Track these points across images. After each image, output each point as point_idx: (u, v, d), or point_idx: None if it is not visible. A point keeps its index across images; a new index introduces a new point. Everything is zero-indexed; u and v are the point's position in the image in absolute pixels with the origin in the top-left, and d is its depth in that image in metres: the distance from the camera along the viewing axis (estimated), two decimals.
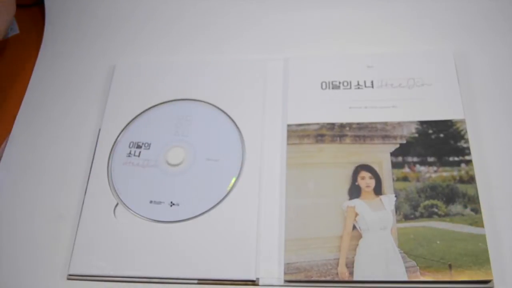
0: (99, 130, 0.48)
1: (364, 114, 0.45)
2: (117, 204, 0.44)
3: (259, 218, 0.42)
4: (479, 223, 0.38)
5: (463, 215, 0.39)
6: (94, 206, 0.44)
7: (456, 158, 0.41)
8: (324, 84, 0.46)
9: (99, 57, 0.53)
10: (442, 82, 0.45)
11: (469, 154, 0.41)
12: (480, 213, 0.39)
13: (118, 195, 0.45)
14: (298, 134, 0.44)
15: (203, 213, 0.43)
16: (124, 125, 0.49)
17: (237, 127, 0.47)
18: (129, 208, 0.44)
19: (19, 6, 0.51)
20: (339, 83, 0.46)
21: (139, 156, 0.47)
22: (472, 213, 0.39)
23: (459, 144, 0.42)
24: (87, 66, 0.52)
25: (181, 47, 0.53)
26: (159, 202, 0.44)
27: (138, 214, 0.44)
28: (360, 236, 0.39)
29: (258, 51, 0.51)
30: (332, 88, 0.46)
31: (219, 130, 0.47)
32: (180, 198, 0.44)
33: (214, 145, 0.46)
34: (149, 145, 0.47)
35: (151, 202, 0.44)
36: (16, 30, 0.54)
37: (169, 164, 0.45)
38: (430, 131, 0.43)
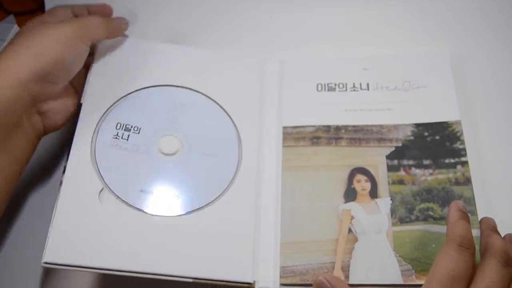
0: (81, 104, 0.45)
1: (359, 116, 0.45)
2: (102, 189, 0.42)
3: (255, 219, 0.43)
4: (474, 225, 0.38)
5: None
6: (75, 189, 0.41)
7: (451, 160, 0.41)
8: (320, 86, 0.46)
9: None
10: (437, 83, 0.46)
11: (465, 155, 0.42)
12: (476, 215, 0.39)
13: (103, 179, 0.43)
14: (294, 136, 0.44)
15: (197, 209, 0.43)
16: (111, 102, 0.46)
17: (235, 124, 0.47)
18: (117, 195, 0.42)
19: (22, 13, 0.57)
20: (335, 85, 0.46)
21: (127, 139, 0.45)
22: (468, 215, 0.39)
23: (455, 145, 0.42)
24: None
25: (179, 39, 0.53)
26: (150, 192, 0.43)
27: (126, 202, 0.42)
28: (355, 240, 0.39)
29: (255, 51, 0.52)
30: (328, 90, 0.46)
31: (216, 125, 0.47)
32: (173, 190, 0.43)
33: (210, 139, 0.46)
34: (138, 129, 0.46)
35: (141, 191, 0.43)
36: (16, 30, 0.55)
37: (162, 152, 0.44)
38: (426, 134, 0.43)
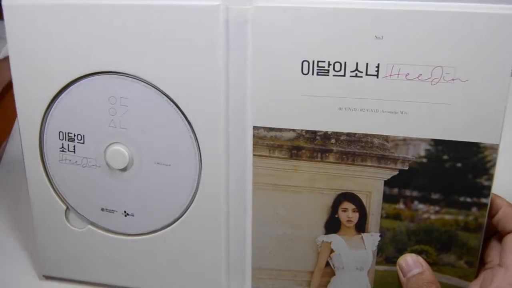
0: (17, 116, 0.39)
1: (358, 120, 0.34)
2: (66, 209, 0.42)
3: (226, 239, 0.40)
4: (470, 277, 0.35)
5: (454, 266, 0.35)
6: (43, 211, 0.42)
7: (468, 199, 0.33)
8: (306, 65, 0.33)
9: None
10: (486, 78, 0.31)
11: (487, 195, 0.33)
12: (475, 267, 0.34)
13: (65, 199, 0.41)
14: (268, 143, 0.35)
15: (162, 228, 0.41)
16: (45, 107, 0.39)
17: (188, 121, 0.37)
18: (81, 215, 0.42)
19: None
20: (329, 65, 0.33)
21: (74, 151, 0.40)
22: (466, 266, 0.35)
23: (478, 180, 0.33)
24: None
25: None
26: (112, 211, 0.41)
27: (92, 222, 0.42)
28: (333, 274, 0.37)
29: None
30: (318, 74, 0.33)
31: (166, 124, 0.38)
32: (133, 207, 0.41)
33: (161, 144, 0.38)
34: (82, 137, 0.40)
35: (102, 209, 0.41)
36: None
37: (112, 168, 0.39)
38: (445, 157, 0.33)
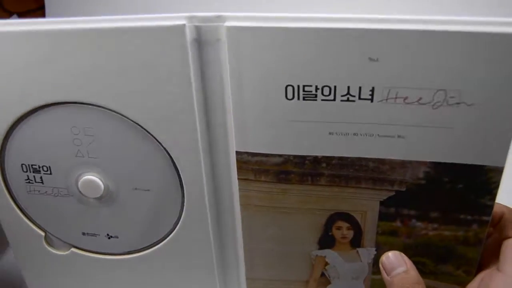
0: None
1: (351, 145, 0.32)
2: (45, 235, 0.40)
3: (216, 253, 0.39)
4: (467, 284, 0.35)
5: (452, 275, 0.35)
6: (21, 239, 0.40)
7: (469, 217, 0.33)
8: (291, 89, 0.31)
9: None
10: (494, 101, 0.29)
11: (489, 214, 0.32)
12: (473, 275, 0.35)
13: (41, 227, 0.40)
14: (253, 167, 0.34)
15: (151, 246, 0.39)
16: (1, 139, 0.36)
17: (162, 146, 0.34)
18: (62, 239, 0.40)
19: (25, 12, 0.57)
20: (316, 89, 0.30)
21: (42, 182, 0.37)
22: (464, 274, 0.35)
23: (481, 200, 0.32)
24: None
25: None
26: (94, 234, 0.39)
27: (74, 245, 0.40)
28: (328, 282, 0.38)
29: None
30: (305, 99, 0.31)
31: (138, 151, 0.35)
32: (116, 231, 0.39)
33: (136, 170, 0.36)
34: (48, 168, 0.37)
35: (84, 234, 0.39)
36: None
37: (87, 197, 0.37)
38: (445, 179, 0.32)
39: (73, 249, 0.39)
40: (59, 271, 0.40)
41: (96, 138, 0.33)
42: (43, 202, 0.37)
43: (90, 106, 0.32)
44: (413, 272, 0.32)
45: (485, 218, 0.32)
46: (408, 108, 0.29)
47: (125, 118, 0.32)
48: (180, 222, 0.36)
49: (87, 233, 0.38)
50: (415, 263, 0.34)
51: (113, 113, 0.32)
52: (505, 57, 0.26)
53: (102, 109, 0.32)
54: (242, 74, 0.29)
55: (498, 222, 0.33)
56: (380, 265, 0.33)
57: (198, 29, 0.29)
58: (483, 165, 0.30)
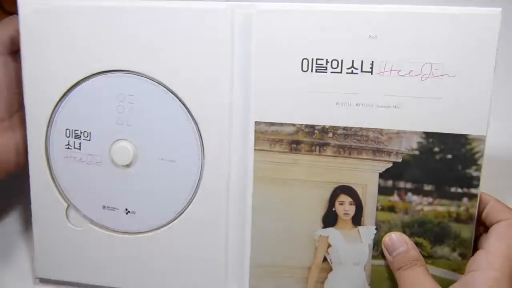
0: (24, 111, 0.41)
1: (354, 114, 0.36)
2: (68, 206, 0.42)
3: (225, 236, 0.40)
4: (463, 270, 0.35)
5: (448, 259, 0.36)
6: (43, 209, 0.42)
7: (459, 190, 0.35)
8: (306, 62, 0.35)
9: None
10: (471, 74, 0.34)
11: (477, 186, 0.34)
12: (468, 259, 0.35)
13: (66, 197, 0.42)
14: (269, 137, 0.36)
15: (162, 226, 0.41)
16: (53, 105, 0.41)
17: (194, 119, 0.39)
18: (82, 213, 0.42)
19: None
20: (327, 62, 0.35)
21: (80, 148, 0.41)
22: (459, 258, 0.35)
23: (468, 171, 0.34)
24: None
25: None
26: (113, 208, 0.42)
27: (92, 220, 0.42)
28: (330, 269, 0.38)
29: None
30: (317, 71, 0.35)
31: (171, 120, 0.40)
32: (135, 205, 0.42)
33: (166, 140, 0.40)
34: (89, 134, 0.41)
35: (104, 207, 0.42)
36: None
37: (116, 165, 0.40)
38: (436, 149, 0.34)
39: (90, 225, 0.42)
40: (72, 246, 0.42)
41: (136, 106, 0.40)
42: (75, 170, 0.41)
43: (137, 75, 0.39)
44: (413, 250, 0.35)
45: (473, 191, 0.36)
46: (402, 80, 0.36)
47: (165, 88, 0.39)
48: (194, 199, 0.40)
49: (107, 207, 0.42)
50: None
51: (155, 83, 0.39)
52: (478, 35, 0.34)
53: (146, 78, 0.39)
54: (266, 52, 0.37)
55: (484, 209, 0.36)
56: (383, 246, 0.37)
57: (235, 13, 0.37)
58: (467, 134, 0.36)
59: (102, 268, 0.42)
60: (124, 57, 0.39)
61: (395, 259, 0.36)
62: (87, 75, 0.40)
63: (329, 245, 0.38)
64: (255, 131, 0.38)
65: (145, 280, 0.42)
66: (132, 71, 0.39)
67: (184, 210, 0.41)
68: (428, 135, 0.36)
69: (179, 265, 0.41)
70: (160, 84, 0.39)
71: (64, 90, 0.41)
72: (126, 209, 0.41)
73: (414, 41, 0.35)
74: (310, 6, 0.36)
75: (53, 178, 0.42)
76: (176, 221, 0.41)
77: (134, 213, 0.41)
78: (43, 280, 0.44)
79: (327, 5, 0.36)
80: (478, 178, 0.35)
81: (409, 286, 0.34)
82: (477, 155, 0.35)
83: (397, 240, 0.36)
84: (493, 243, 0.33)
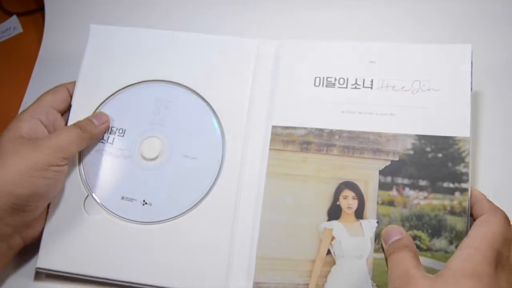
0: (70, 107, 0.46)
1: (357, 121, 0.41)
2: (87, 196, 0.44)
3: (233, 228, 0.42)
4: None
5: (446, 251, 0.37)
6: (63, 196, 0.44)
7: (451, 185, 0.38)
8: (318, 80, 0.42)
9: None
10: (452, 88, 0.42)
11: (466, 181, 0.38)
12: None
13: (89, 187, 0.45)
14: (283, 138, 0.41)
15: (175, 217, 0.44)
16: (98, 104, 0.47)
17: (220, 123, 0.45)
18: (100, 203, 0.44)
19: (24, 13, 0.61)
20: (335, 80, 0.42)
21: (112, 143, 0.46)
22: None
23: (457, 168, 0.38)
24: None
25: (164, 21, 0.52)
26: (131, 199, 0.44)
27: (109, 210, 0.44)
28: (333, 263, 0.38)
29: (250, 33, 0.49)
30: (327, 86, 0.42)
31: (200, 123, 0.46)
32: (153, 197, 0.44)
33: (192, 139, 0.45)
34: (123, 131, 0.46)
35: (123, 198, 0.44)
36: (19, 29, 0.60)
37: (143, 157, 0.44)
38: (428, 149, 0.39)
39: (105, 215, 0.44)
40: (82, 235, 0.43)
41: (171, 110, 0.46)
42: (103, 162, 0.45)
43: (175, 84, 0.47)
44: (406, 239, 0.38)
45: (464, 185, 0.42)
46: (396, 93, 0.45)
47: (198, 96, 0.46)
48: (209, 193, 0.44)
49: (126, 197, 0.44)
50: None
51: (191, 91, 0.46)
52: (456, 61, 0.43)
53: (184, 87, 0.46)
54: (286, 72, 0.47)
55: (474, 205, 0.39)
56: (381, 237, 0.41)
57: (261, 44, 0.47)
58: (454, 136, 0.43)
59: (110, 259, 0.43)
60: (165, 70, 0.47)
61: (389, 246, 0.38)
62: (130, 83, 0.47)
63: (333, 238, 0.41)
64: (272, 133, 0.45)
65: (153, 270, 0.42)
66: (173, 82, 0.47)
67: (198, 204, 0.43)
68: (420, 137, 0.42)
69: (187, 255, 0.42)
70: (194, 93, 0.47)
71: (109, 94, 0.47)
72: (144, 201, 0.44)
73: (405, 65, 0.44)
74: (323, 41, 0.47)
75: (79, 168, 0.45)
76: (188, 213, 0.43)
77: (151, 204, 0.44)
78: (43, 272, 0.43)
79: (338, 41, 0.47)
80: (467, 174, 0.41)
81: (394, 266, 0.36)
82: (464, 154, 0.41)
83: (392, 230, 0.39)
84: (474, 228, 0.36)
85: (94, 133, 0.44)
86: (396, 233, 0.38)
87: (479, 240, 0.35)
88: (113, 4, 0.55)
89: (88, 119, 0.44)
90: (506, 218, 0.36)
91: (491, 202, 0.38)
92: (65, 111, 0.46)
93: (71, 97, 0.46)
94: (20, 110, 0.52)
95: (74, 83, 0.46)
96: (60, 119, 0.45)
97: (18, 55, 0.59)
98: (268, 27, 0.49)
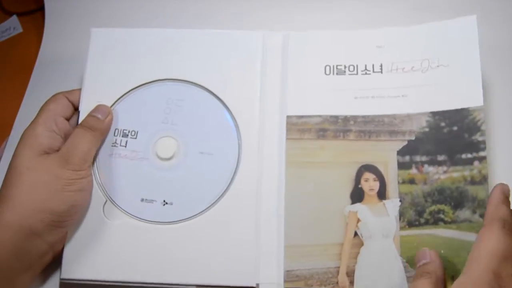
0: (78, 112, 0.45)
1: (370, 105, 0.42)
2: (105, 202, 0.44)
3: (258, 220, 0.42)
4: None
5: (471, 221, 0.37)
6: None
7: (469, 155, 0.39)
8: (328, 68, 0.43)
9: None
10: (461, 61, 0.44)
11: (484, 149, 0.39)
12: None
13: (106, 192, 0.44)
14: (299, 127, 0.42)
15: (198, 214, 0.43)
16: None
17: (233, 116, 0.45)
18: (120, 207, 0.44)
19: (23, 13, 0.60)
20: (345, 67, 0.43)
21: (125, 146, 0.45)
22: (481, 219, 0.38)
23: (474, 137, 0.39)
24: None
25: (169, 18, 0.52)
26: (151, 201, 0.44)
27: (129, 213, 0.43)
28: (361, 244, 0.39)
29: (256, 24, 0.50)
30: (337, 74, 0.43)
31: (213, 119, 0.45)
32: (173, 196, 0.44)
33: (207, 136, 0.45)
34: (136, 133, 0.45)
35: (142, 200, 0.44)
36: (19, 29, 0.59)
37: (159, 157, 0.44)
38: (443, 124, 0.40)
39: (125, 218, 0.43)
40: (105, 242, 0.43)
41: (183, 108, 0.46)
42: (118, 166, 0.44)
43: (185, 82, 0.47)
44: (432, 264, 0.36)
45: (482, 153, 0.43)
46: (406, 74, 0.46)
47: (209, 92, 0.46)
48: (230, 188, 0.43)
49: (145, 199, 0.44)
50: (436, 212, 0.42)
51: (202, 88, 0.46)
52: (462, 37, 0.44)
53: (195, 85, 0.46)
54: (296, 62, 0.48)
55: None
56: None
57: (272, 36, 0.47)
58: (468, 107, 0.44)
59: (135, 262, 0.42)
60: (173, 68, 0.47)
61: (417, 270, 0.37)
62: (138, 84, 0.47)
63: (359, 220, 0.42)
64: (287, 123, 0.46)
65: (181, 269, 0.42)
66: (180, 79, 0.47)
67: (220, 199, 0.43)
68: (434, 114, 0.43)
69: (214, 251, 0.42)
70: (204, 89, 0.46)
71: (118, 96, 0.46)
72: (164, 201, 0.44)
73: (412, 46, 0.45)
74: (329, 31, 0.48)
75: (95, 174, 0.44)
76: (211, 209, 0.43)
77: (172, 204, 0.44)
78: (67, 284, 0.42)
79: (346, 29, 0.48)
80: (484, 142, 0.41)
81: None
82: (479, 123, 0.42)
83: (422, 254, 0.37)
84: (472, 249, 0.34)
85: (104, 129, 0.44)
86: (425, 256, 0.37)
87: (474, 264, 0.33)
88: (113, 4, 0.54)
89: (92, 116, 0.44)
90: (503, 229, 0.33)
91: (492, 209, 0.36)
92: (70, 118, 0.45)
93: (72, 104, 0.45)
94: (20, 110, 0.51)
95: (71, 91, 0.46)
96: (68, 126, 0.44)
97: (18, 55, 0.59)
98: (272, 20, 0.50)
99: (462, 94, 0.42)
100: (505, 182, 0.38)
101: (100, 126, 0.44)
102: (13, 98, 0.53)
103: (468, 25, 0.43)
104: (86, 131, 0.43)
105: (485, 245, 0.33)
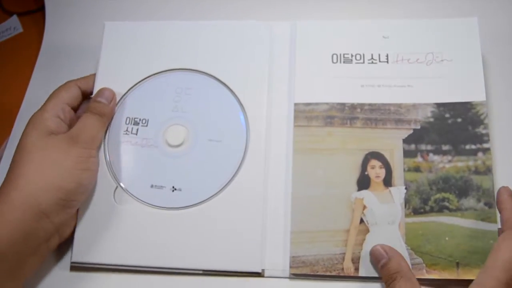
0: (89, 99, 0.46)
1: (377, 94, 0.42)
2: (116, 188, 0.44)
3: (264, 206, 0.43)
4: (492, 218, 0.38)
5: (475, 209, 0.38)
6: (92, 191, 0.44)
7: (473, 146, 0.39)
8: (335, 56, 0.43)
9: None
10: (464, 57, 0.44)
11: (487, 141, 0.40)
12: (494, 207, 0.38)
13: (117, 178, 0.44)
14: (306, 115, 0.42)
15: (206, 200, 0.44)
16: (118, 98, 0.47)
17: (241, 104, 0.46)
18: (130, 193, 0.44)
19: (24, 13, 0.61)
20: (352, 56, 0.43)
21: (136, 134, 0.46)
22: (486, 207, 0.38)
23: (477, 130, 0.40)
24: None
25: (178, 10, 0.52)
26: (161, 187, 0.44)
27: (139, 199, 0.44)
28: (367, 231, 0.39)
29: (263, 14, 0.50)
30: (344, 62, 0.43)
31: (222, 107, 0.46)
32: (182, 182, 0.44)
33: (216, 123, 0.46)
34: (146, 121, 0.46)
35: (152, 186, 0.44)
36: (19, 29, 0.60)
37: (169, 145, 0.44)
38: (447, 115, 0.40)
39: (135, 203, 0.44)
40: (116, 226, 0.43)
41: (192, 96, 0.47)
42: (129, 153, 0.45)
43: (194, 72, 0.47)
44: (393, 261, 0.37)
45: (485, 145, 0.44)
46: (412, 66, 0.47)
47: (218, 80, 0.47)
48: (238, 173, 0.44)
49: (155, 185, 0.45)
50: (441, 200, 0.43)
51: (211, 77, 0.47)
52: (465, 31, 0.45)
53: (203, 74, 0.47)
54: (303, 50, 0.49)
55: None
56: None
57: (278, 25, 0.48)
58: (471, 101, 0.45)
59: (144, 247, 0.43)
60: (182, 58, 0.48)
61: (382, 274, 0.38)
62: (149, 74, 0.48)
63: (365, 207, 0.43)
64: (295, 110, 0.46)
65: (188, 254, 0.42)
66: (190, 69, 0.48)
67: (227, 185, 0.44)
68: (438, 105, 0.44)
69: (221, 237, 0.42)
70: (213, 77, 0.47)
71: (130, 86, 0.47)
72: (173, 187, 0.44)
73: (417, 39, 0.46)
74: (336, 20, 0.48)
75: (106, 160, 0.45)
76: (219, 195, 0.44)
77: (180, 190, 0.44)
78: (78, 266, 0.43)
79: (352, 19, 0.48)
80: (487, 135, 0.42)
81: None
82: (482, 116, 0.43)
83: (378, 253, 0.38)
84: (490, 256, 0.34)
85: (109, 113, 0.45)
86: (382, 255, 0.38)
87: (488, 273, 0.33)
88: (113, 3, 0.55)
89: (96, 101, 0.44)
90: None
91: (509, 214, 0.37)
92: (77, 108, 0.46)
93: (82, 93, 0.46)
94: (21, 110, 0.51)
95: (84, 79, 0.46)
96: (73, 115, 0.45)
97: (19, 55, 0.59)
98: (280, 10, 0.50)
99: (465, 88, 0.43)
100: (510, 173, 0.40)
101: (106, 111, 0.44)
102: (14, 97, 0.53)
103: (470, 26, 0.45)
104: (93, 115, 0.43)
105: (503, 255, 0.33)
